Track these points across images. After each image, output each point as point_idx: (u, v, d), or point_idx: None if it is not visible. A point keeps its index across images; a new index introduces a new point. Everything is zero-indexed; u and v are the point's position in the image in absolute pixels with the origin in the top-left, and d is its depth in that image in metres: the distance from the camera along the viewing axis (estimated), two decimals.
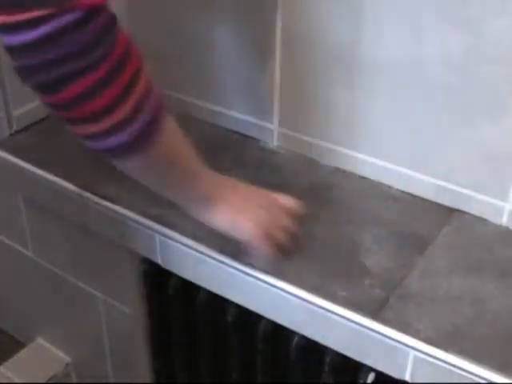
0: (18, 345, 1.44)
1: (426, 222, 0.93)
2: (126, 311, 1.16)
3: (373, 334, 0.78)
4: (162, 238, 0.93)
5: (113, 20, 0.63)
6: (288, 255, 0.82)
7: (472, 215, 0.94)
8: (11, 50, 0.60)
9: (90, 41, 0.60)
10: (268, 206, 0.81)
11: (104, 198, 0.99)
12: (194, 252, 0.90)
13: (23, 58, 0.60)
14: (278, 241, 0.80)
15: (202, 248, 0.89)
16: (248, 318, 0.94)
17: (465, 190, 0.93)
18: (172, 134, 0.73)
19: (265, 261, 0.82)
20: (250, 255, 0.82)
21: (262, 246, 0.79)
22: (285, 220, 0.81)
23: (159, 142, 0.70)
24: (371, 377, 0.84)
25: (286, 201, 0.84)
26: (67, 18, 0.58)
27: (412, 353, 0.76)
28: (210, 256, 0.89)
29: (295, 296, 0.83)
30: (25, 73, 0.62)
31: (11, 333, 1.49)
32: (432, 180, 0.95)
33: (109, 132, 0.65)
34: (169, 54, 1.16)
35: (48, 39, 0.58)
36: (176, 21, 1.12)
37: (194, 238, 0.91)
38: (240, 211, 0.79)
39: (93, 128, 0.65)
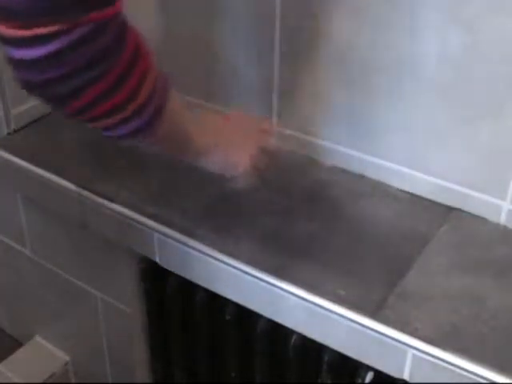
0: (17, 343, 1.44)
1: (424, 221, 0.93)
2: (124, 310, 1.16)
3: (371, 332, 0.78)
4: (161, 236, 0.93)
5: (123, 26, 0.62)
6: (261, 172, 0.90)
7: (470, 214, 0.94)
8: (18, 64, 0.58)
9: (101, 52, 0.59)
10: (249, 134, 0.91)
11: (102, 196, 0.99)
12: (192, 251, 0.90)
13: (32, 72, 0.59)
14: (260, 164, 0.89)
15: (201, 247, 0.89)
16: (246, 317, 0.93)
17: (463, 189, 0.93)
18: (173, 109, 0.74)
19: (247, 182, 0.90)
20: (235, 181, 0.89)
21: (248, 173, 0.88)
22: (263, 141, 0.92)
23: (165, 120, 0.72)
24: (370, 376, 0.84)
25: (261, 121, 0.98)
26: (79, 33, 0.57)
27: (410, 352, 0.76)
28: (208, 255, 0.89)
29: (294, 295, 0.82)
30: (33, 87, 0.61)
31: (9, 331, 1.49)
32: (431, 179, 0.95)
33: (120, 123, 0.67)
34: (168, 54, 1.16)
35: (59, 54, 0.57)
36: (176, 21, 1.11)
37: (193, 236, 0.91)
38: (229, 153, 0.86)
39: (107, 121, 0.66)
